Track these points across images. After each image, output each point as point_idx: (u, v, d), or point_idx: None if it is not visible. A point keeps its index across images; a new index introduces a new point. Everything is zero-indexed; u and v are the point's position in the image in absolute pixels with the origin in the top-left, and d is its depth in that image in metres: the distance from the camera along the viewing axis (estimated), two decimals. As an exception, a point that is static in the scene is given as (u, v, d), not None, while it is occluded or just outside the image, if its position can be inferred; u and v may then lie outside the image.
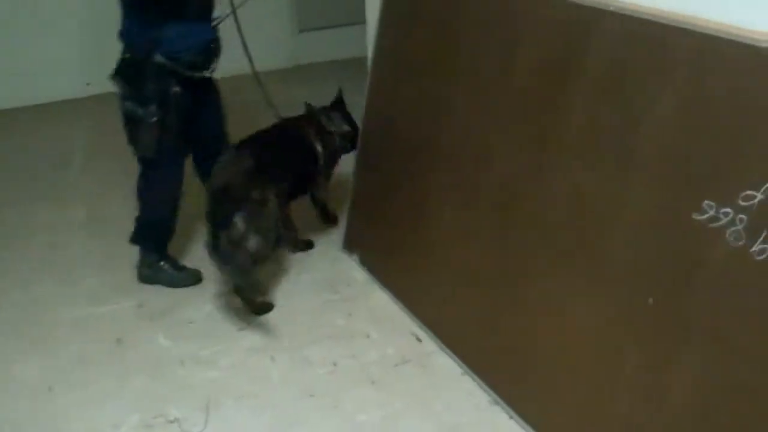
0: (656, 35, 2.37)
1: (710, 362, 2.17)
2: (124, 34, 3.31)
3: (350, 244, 3.93)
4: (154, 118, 3.32)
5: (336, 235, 4.06)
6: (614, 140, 2.50)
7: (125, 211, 3.98)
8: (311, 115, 3.86)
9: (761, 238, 2.02)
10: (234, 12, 3.55)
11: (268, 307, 3.52)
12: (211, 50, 3.43)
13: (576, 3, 2.66)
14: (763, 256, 2.01)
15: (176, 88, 3.34)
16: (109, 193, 4.55)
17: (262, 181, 3.39)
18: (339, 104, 3.96)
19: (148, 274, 3.74)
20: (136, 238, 3.74)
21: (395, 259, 3.58)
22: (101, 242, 4.10)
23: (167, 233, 3.75)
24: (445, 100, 3.31)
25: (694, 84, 2.26)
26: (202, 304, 3.59)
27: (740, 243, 2.07)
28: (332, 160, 3.93)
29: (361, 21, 4.14)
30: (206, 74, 3.44)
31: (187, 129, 3.45)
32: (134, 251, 3.79)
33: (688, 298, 2.22)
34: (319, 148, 3.80)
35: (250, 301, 3.50)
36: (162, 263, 3.74)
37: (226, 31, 3.52)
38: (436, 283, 3.28)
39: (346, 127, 3.92)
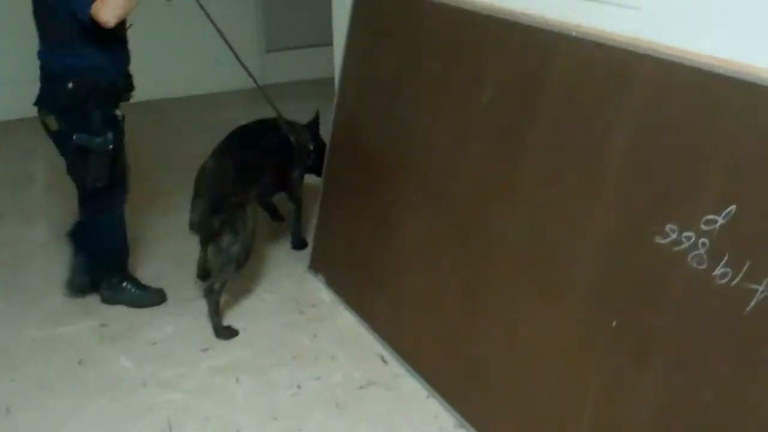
0: (617, 60, 2.41)
1: (672, 385, 2.19)
2: (64, 62, 3.18)
3: (316, 265, 3.91)
4: (111, 146, 3.26)
5: (302, 255, 4.04)
6: (577, 163, 2.53)
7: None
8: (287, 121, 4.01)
9: (723, 262, 2.05)
10: (218, 30, 3.55)
11: (232, 333, 3.48)
12: (129, 72, 3.41)
13: (540, 28, 2.70)
14: (725, 280, 2.04)
15: (119, 112, 3.31)
16: (72, 211, 4.46)
17: (241, 187, 3.49)
18: (313, 125, 4.13)
19: (110, 296, 3.68)
20: (95, 267, 3.67)
21: (361, 280, 3.57)
22: (63, 261, 4.02)
23: (125, 254, 3.71)
24: (411, 121, 3.32)
25: (655, 108, 2.29)
26: (165, 325, 3.54)
27: (702, 267, 2.10)
28: (303, 160, 4.03)
29: (329, 42, 4.15)
30: (133, 96, 3.42)
31: None
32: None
33: (652, 321, 2.24)
34: (293, 143, 3.94)
35: (216, 322, 3.47)
36: (124, 284, 3.68)
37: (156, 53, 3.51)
38: (402, 305, 3.27)
39: (310, 146, 4.05)
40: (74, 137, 3.23)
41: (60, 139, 3.30)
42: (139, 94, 5.06)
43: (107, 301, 3.68)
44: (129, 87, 3.38)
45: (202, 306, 3.62)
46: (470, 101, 2.98)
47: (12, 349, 3.39)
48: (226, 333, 3.46)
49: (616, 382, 2.34)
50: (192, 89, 6.55)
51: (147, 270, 3.91)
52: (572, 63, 2.58)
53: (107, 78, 3.24)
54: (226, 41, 3.63)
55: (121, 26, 3.24)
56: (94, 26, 3.05)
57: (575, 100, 2.56)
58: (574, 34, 2.57)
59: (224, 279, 3.48)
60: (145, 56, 5.85)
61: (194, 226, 3.45)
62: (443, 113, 3.15)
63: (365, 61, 3.69)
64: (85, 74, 3.18)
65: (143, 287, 3.72)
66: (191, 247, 4.04)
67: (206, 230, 3.47)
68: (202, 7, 3.51)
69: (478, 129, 2.95)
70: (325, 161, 3.92)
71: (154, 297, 3.70)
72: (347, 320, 3.54)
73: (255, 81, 3.83)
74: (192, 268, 3.94)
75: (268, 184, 3.82)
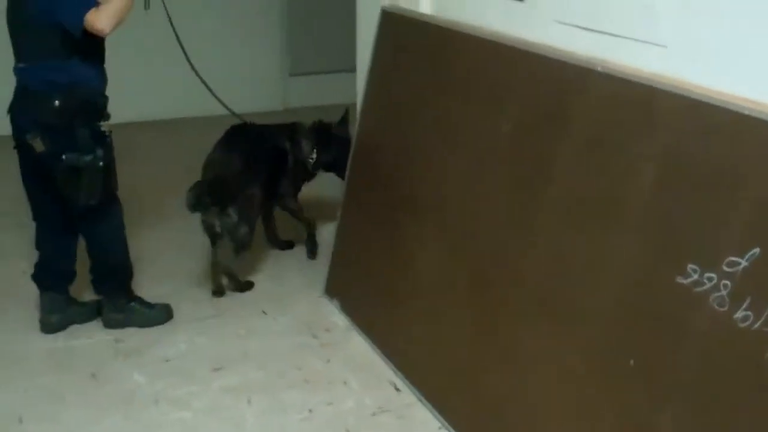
0: (642, 97, 2.41)
1: (689, 428, 2.17)
2: (46, 79, 3.12)
3: (332, 289, 3.91)
4: (102, 162, 3.19)
5: (318, 279, 4.03)
6: (599, 199, 2.52)
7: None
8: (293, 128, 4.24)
9: (745, 305, 2.03)
10: (186, 56, 3.54)
11: (250, 285, 3.95)
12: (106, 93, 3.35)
13: (564, 62, 2.71)
14: (746, 324, 2.02)
15: (105, 128, 3.24)
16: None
17: (250, 179, 3.84)
18: (323, 129, 4.27)
19: (118, 319, 3.58)
20: (101, 287, 3.61)
21: (376, 307, 3.57)
22: (78, 273, 4.04)
23: (129, 271, 3.64)
24: (431, 151, 3.34)
25: (679, 147, 2.29)
26: (178, 342, 3.55)
27: (723, 309, 2.08)
28: (297, 175, 4.21)
29: (352, 69, 4.18)
30: (110, 116, 3.32)
31: None
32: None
33: (670, 362, 2.23)
34: (289, 154, 4.15)
35: (234, 279, 3.93)
36: (132, 303, 3.61)
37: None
38: (417, 334, 3.26)
39: (312, 156, 4.21)
40: (64, 157, 3.13)
41: (48, 160, 3.20)
42: (154, 114, 5.10)
43: (115, 326, 3.58)
44: (106, 105, 3.29)
45: (215, 325, 3.64)
46: (492, 133, 2.99)
47: (26, 360, 3.41)
48: (246, 285, 3.95)
49: (632, 422, 2.32)
50: (212, 110, 6.57)
51: (160, 288, 3.91)
52: (597, 98, 2.59)
53: (92, 93, 3.21)
54: (193, 67, 3.64)
55: (101, 44, 3.21)
56: (83, 39, 3.02)
57: (599, 136, 2.56)
58: (599, 69, 2.57)
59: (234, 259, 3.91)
60: (164, 76, 5.92)
61: (194, 205, 3.67)
62: (464, 144, 3.16)
63: (388, 89, 3.71)
64: (70, 90, 3.13)
65: (150, 305, 3.65)
66: (203, 264, 4.08)
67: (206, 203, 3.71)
68: (177, 37, 3.50)
69: (499, 161, 2.96)
70: (344, 188, 3.92)
71: (163, 313, 3.65)
72: (361, 346, 3.53)
73: (222, 102, 3.91)
74: (205, 286, 3.97)
75: (265, 182, 3.99)
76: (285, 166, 4.13)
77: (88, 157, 3.16)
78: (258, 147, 4.00)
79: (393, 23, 3.67)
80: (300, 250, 4.33)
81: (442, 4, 3.48)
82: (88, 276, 3.64)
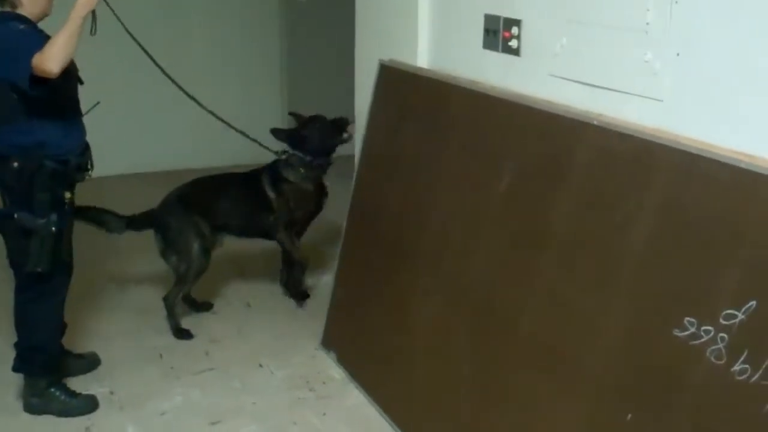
0: (638, 150, 2.42)
1: (689, 482, 2.15)
2: (8, 140, 3.08)
3: (329, 341, 3.89)
4: (54, 228, 3.10)
5: (315, 331, 4.00)
6: (595, 252, 2.52)
7: (98, 287, 3.92)
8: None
9: (742, 358, 2.02)
10: (203, 106, 3.53)
11: (187, 334, 3.97)
12: (88, 148, 3.30)
13: (560, 115, 2.73)
14: (744, 377, 2.01)
15: (68, 194, 3.20)
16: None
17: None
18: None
19: (36, 404, 3.35)
20: (22, 365, 3.37)
21: (373, 359, 3.54)
22: (72, 325, 3.99)
23: (56, 352, 3.46)
24: (428, 203, 3.34)
25: (675, 199, 2.30)
26: (174, 396, 3.51)
27: (721, 362, 2.07)
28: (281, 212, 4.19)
29: (350, 120, 4.21)
30: (90, 175, 3.30)
31: None
32: (129, 331, 3.78)
33: (668, 416, 2.21)
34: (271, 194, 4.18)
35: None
36: (52, 390, 3.37)
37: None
38: (414, 389, 3.23)
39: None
40: (15, 216, 3.08)
41: (2, 218, 3.16)
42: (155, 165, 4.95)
43: (33, 411, 3.36)
44: (83, 166, 3.25)
45: (211, 377, 3.61)
46: (489, 186, 3.00)
47: (20, 413, 3.36)
48: (181, 334, 3.97)
49: (630, 476, 2.30)
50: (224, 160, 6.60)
51: (158, 340, 3.91)
52: (593, 151, 2.60)
53: (56, 156, 3.12)
54: (213, 114, 3.65)
55: (73, 98, 3.19)
56: (43, 96, 2.98)
57: (595, 189, 2.57)
58: (596, 122, 2.59)
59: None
60: (181, 127, 5.98)
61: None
62: (461, 197, 3.16)
63: (385, 141, 3.73)
64: (30, 152, 3.07)
65: (73, 394, 3.42)
66: (198, 317, 4.09)
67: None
68: (186, 92, 3.50)
69: (497, 214, 2.96)
70: (342, 240, 3.92)
71: (86, 404, 3.41)
72: (357, 399, 3.50)
73: (258, 143, 3.94)
74: (202, 338, 3.97)
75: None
76: (266, 207, 4.16)
77: (41, 221, 3.08)
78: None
79: (391, 77, 3.70)
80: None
81: (439, 58, 3.52)
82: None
